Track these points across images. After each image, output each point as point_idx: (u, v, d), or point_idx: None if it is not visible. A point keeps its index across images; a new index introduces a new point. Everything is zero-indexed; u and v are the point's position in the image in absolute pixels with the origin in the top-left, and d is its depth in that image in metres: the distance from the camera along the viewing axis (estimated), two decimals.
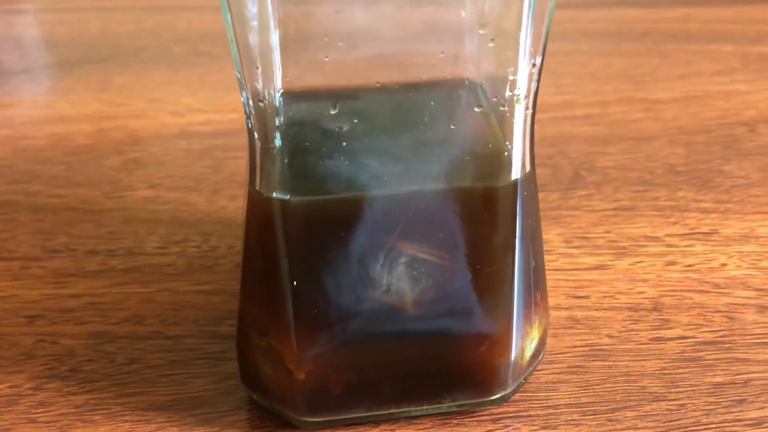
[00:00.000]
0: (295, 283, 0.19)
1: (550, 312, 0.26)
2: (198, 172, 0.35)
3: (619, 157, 0.35)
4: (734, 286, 0.28)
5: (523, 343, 0.22)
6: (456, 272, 0.20)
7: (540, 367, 0.24)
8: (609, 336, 0.26)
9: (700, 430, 0.22)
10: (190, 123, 0.39)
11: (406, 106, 0.19)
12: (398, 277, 0.20)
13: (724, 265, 0.29)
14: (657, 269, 0.28)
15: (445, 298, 0.20)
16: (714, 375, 0.24)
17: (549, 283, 0.28)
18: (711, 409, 0.23)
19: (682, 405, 0.23)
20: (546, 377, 0.24)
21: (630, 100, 0.40)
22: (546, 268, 0.28)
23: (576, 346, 0.25)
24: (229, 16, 0.17)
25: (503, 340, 0.21)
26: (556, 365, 0.24)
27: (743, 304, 0.27)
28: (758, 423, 0.22)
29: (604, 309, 0.27)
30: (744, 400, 0.23)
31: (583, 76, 0.43)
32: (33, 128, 0.38)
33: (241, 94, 0.18)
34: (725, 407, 0.23)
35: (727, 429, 0.22)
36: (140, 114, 0.39)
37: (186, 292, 0.28)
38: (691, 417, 0.23)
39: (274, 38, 0.17)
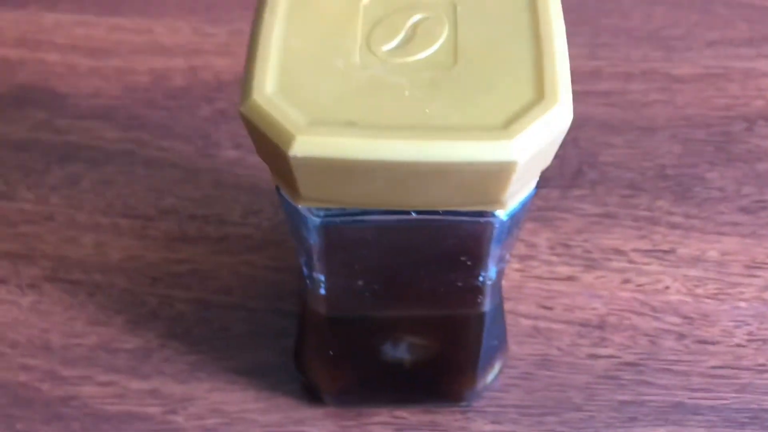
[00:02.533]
0: (331, 352, 0.30)
1: (521, 319, 0.36)
2: None
3: (621, 152, 0.42)
4: (667, 310, 0.36)
5: (485, 378, 0.32)
6: (438, 350, 0.30)
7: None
8: (558, 348, 0.35)
9: None
10: None
11: (418, 274, 0.27)
12: (401, 351, 0.30)
13: (667, 288, 0.37)
14: (613, 286, 0.37)
15: (430, 363, 0.31)
16: (623, 393, 0.34)
17: (527, 291, 0.37)
18: (610, 423, 0.33)
19: (591, 416, 0.34)
20: (504, 380, 0.34)
21: (653, 73, 0.45)
22: (526, 275, 0.37)
23: (532, 354, 0.35)
24: None
25: (470, 380, 0.31)
26: (513, 370, 0.35)
27: (667, 330, 0.36)
28: None
29: (562, 322, 0.36)
30: (635, 418, 0.34)
31: (619, 33, 0.47)
32: (137, 60, 0.46)
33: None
34: (621, 422, 0.33)
35: None
36: (224, 50, 0.46)
37: (261, 267, 0.38)
38: (593, 428, 0.33)
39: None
